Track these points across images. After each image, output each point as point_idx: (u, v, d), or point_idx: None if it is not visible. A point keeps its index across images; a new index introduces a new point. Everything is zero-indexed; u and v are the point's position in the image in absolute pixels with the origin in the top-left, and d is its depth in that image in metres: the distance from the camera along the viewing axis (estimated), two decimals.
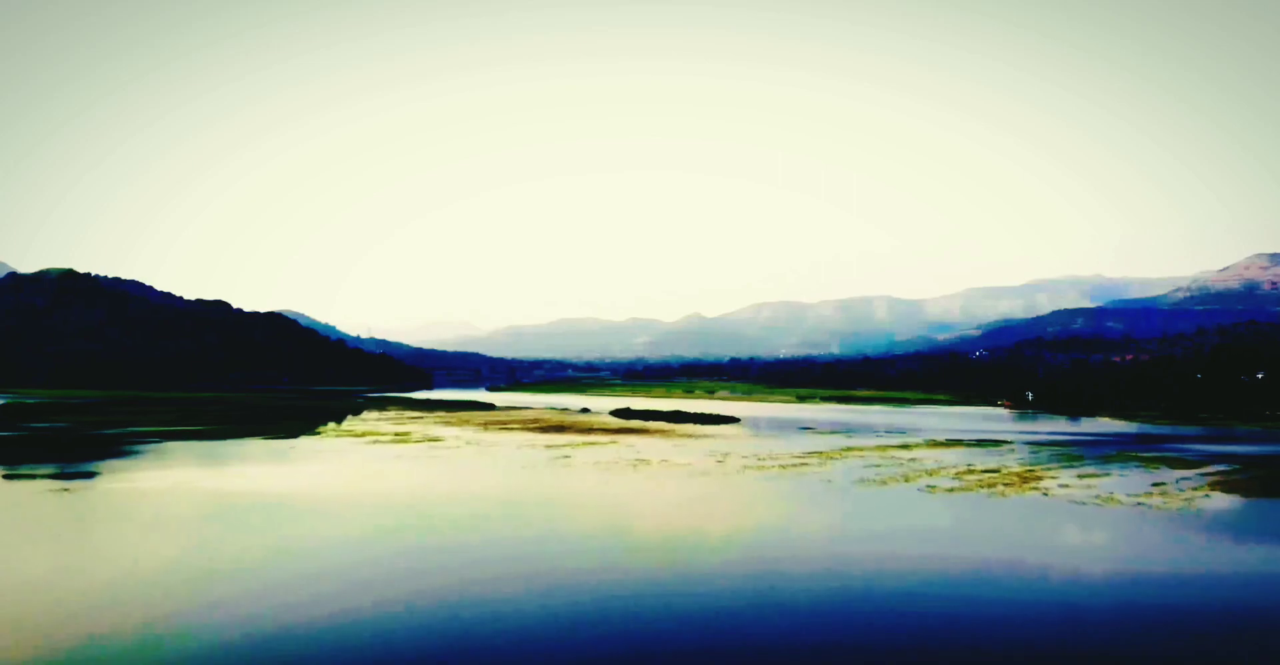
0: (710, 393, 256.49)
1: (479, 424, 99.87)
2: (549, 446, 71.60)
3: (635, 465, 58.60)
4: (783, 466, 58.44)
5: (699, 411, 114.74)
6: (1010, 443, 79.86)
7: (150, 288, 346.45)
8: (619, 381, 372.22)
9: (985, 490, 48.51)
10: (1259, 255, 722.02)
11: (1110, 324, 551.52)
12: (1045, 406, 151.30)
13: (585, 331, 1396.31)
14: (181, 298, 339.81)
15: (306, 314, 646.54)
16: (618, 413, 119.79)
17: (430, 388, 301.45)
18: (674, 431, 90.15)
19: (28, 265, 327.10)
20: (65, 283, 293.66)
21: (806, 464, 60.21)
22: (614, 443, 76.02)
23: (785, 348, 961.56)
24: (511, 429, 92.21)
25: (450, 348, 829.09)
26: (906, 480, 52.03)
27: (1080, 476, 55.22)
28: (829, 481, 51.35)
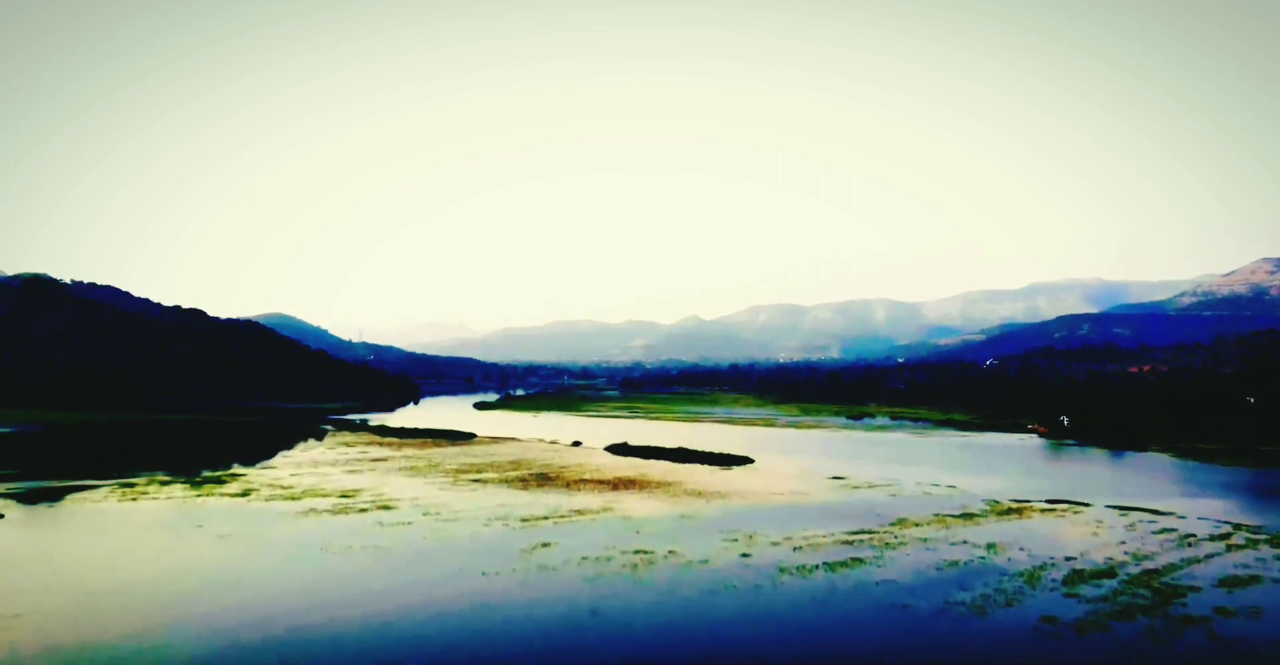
0: (713, 405, 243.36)
1: (450, 471, 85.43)
2: (525, 520, 57.12)
3: (636, 566, 44.18)
4: (830, 567, 44.11)
5: (706, 451, 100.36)
6: (1089, 506, 65.63)
7: (125, 294, 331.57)
8: (616, 392, 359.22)
9: (1134, 633, 34.28)
10: (1265, 259, 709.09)
11: (1118, 330, 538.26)
12: (1084, 434, 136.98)
13: (582, 333, 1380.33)
14: (159, 304, 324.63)
15: (300, 318, 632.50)
16: (614, 449, 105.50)
17: (417, 400, 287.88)
18: (680, 485, 75.71)
19: (19, 271, 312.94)
20: (31, 288, 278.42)
21: (859, 558, 45.92)
22: (608, 510, 61.66)
23: (785, 351, 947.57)
24: (487, 481, 77.79)
25: (445, 350, 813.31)
26: (1009, 603, 37.73)
27: (1228, 587, 41.20)
28: (905, 607, 37.01)
